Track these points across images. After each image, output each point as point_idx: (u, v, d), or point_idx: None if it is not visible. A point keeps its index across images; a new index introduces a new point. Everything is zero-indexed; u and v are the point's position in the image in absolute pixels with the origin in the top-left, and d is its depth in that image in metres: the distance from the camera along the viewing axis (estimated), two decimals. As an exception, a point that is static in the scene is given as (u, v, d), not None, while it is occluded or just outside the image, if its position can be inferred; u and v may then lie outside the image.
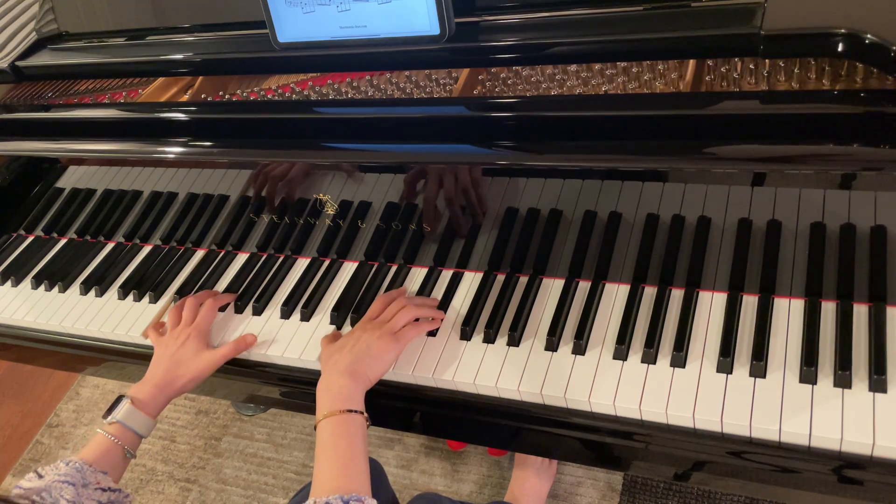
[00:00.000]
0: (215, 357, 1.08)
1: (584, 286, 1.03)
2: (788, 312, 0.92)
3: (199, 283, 1.23)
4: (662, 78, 0.88)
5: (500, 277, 1.08)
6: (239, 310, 1.17)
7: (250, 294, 1.18)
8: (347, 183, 1.09)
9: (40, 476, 0.90)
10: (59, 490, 0.86)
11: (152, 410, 1.03)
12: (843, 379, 0.83)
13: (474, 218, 1.05)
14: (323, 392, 0.93)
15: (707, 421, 0.86)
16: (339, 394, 0.92)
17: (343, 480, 0.84)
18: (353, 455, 0.87)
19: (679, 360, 0.91)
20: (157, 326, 1.17)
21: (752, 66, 0.84)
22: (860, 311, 0.89)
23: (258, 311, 1.16)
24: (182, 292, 1.22)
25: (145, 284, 1.26)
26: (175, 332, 1.11)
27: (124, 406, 1.00)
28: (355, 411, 0.90)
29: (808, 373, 0.85)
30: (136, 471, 1.89)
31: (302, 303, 1.14)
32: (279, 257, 1.23)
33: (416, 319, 1.04)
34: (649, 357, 0.92)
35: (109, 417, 1.00)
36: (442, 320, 1.05)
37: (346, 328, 1.10)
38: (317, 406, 0.92)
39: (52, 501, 0.85)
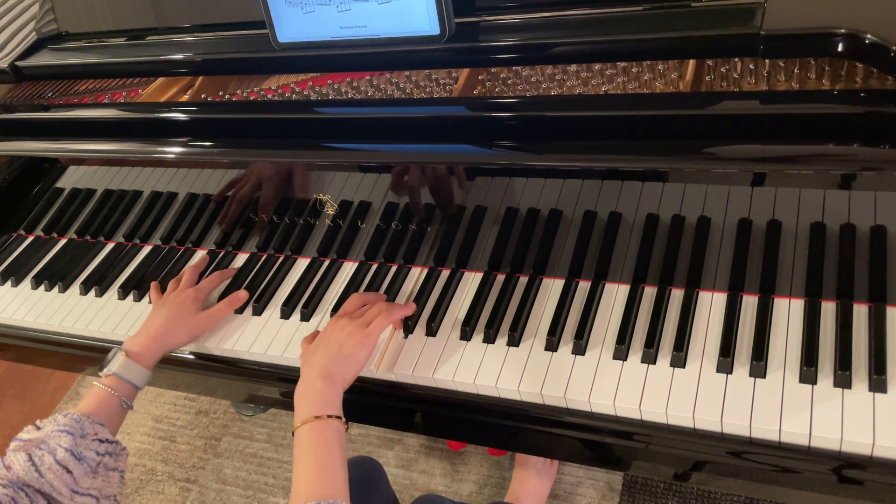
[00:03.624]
0: (211, 313, 1.13)
1: (584, 286, 1.03)
2: (788, 312, 0.92)
3: (200, 282, 1.23)
4: (662, 78, 0.88)
5: (500, 277, 1.08)
6: (239, 310, 1.17)
7: (250, 294, 1.18)
8: (347, 183, 1.09)
9: (38, 428, 0.90)
10: (57, 439, 0.87)
11: (147, 361, 1.05)
12: (843, 379, 0.83)
13: (474, 218, 1.05)
14: (300, 397, 0.93)
15: (707, 421, 0.85)
16: (314, 399, 0.91)
17: (320, 487, 0.83)
18: (330, 461, 0.86)
19: (679, 360, 0.91)
20: (157, 287, 1.21)
21: (752, 66, 0.84)
22: (860, 311, 0.89)
23: (258, 312, 1.16)
24: (182, 292, 1.21)
25: (145, 284, 1.26)
26: (176, 291, 1.16)
27: (119, 358, 1.02)
28: (332, 416, 0.90)
29: (808, 373, 0.85)
30: (136, 471, 1.89)
31: (302, 303, 1.14)
32: (279, 257, 1.23)
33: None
34: (649, 357, 0.92)
35: (105, 370, 1.01)
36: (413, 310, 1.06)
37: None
38: (295, 412, 0.92)
39: (49, 451, 0.86)
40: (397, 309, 1.03)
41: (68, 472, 0.85)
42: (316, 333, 1.06)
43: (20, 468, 0.84)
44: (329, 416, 0.89)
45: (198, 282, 1.19)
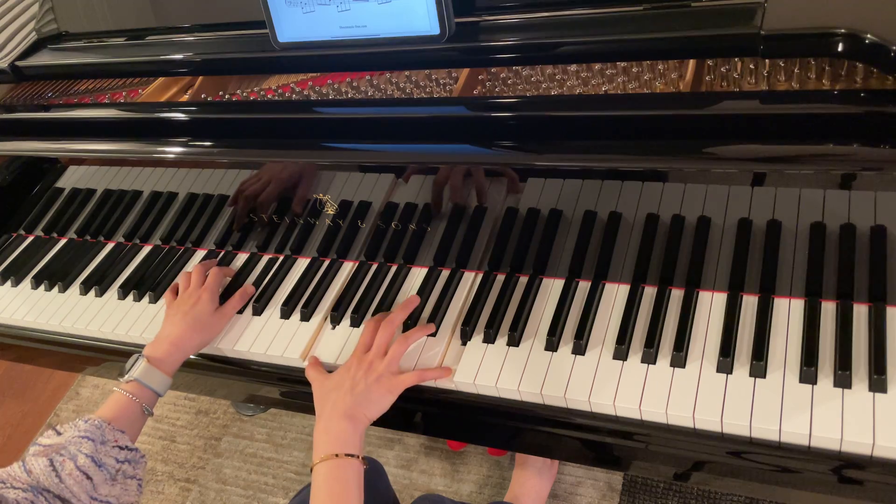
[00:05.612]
0: (224, 311, 1.13)
1: (584, 286, 1.03)
2: (788, 312, 0.92)
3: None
4: (662, 78, 0.88)
5: (500, 277, 1.08)
6: (240, 310, 1.16)
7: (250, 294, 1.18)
8: (347, 183, 1.09)
9: (59, 433, 0.90)
10: (78, 445, 0.87)
11: (169, 368, 1.04)
12: (843, 379, 0.83)
13: (474, 218, 1.05)
14: (321, 434, 0.93)
15: (707, 421, 0.86)
16: (337, 438, 0.92)
17: None
18: (346, 499, 0.88)
19: (679, 360, 0.91)
20: (173, 289, 1.20)
21: (752, 66, 0.84)
22: (860, 311, 0.89)
23: (258, 311, 1.16)
24: (182, 292, 1.22)
25: (145, 284, 1.26)
26: (188, 293, 1.15)
27: (141, 364, 1.02)
28: (351, 455, 0.90)
29: (808, 373, 0.85)
30: (136, 471, 1.89)
31: (302, 303, 1.14)
32: (279, 257, 1.23)
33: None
34: (649, 357, 0.92)
35: (126, 376, 1.01)
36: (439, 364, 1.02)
37: (341, 329, 1.10)
38: (314, 448, 0.92)
39: (70, 456, 0.86)
40: (430, 372, 0.99)
41: (88, 478, 0.85)
42: (316, 361, 1.05)
43: (41, 473, 0.83)
44: (347, 455, 0.90)
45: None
